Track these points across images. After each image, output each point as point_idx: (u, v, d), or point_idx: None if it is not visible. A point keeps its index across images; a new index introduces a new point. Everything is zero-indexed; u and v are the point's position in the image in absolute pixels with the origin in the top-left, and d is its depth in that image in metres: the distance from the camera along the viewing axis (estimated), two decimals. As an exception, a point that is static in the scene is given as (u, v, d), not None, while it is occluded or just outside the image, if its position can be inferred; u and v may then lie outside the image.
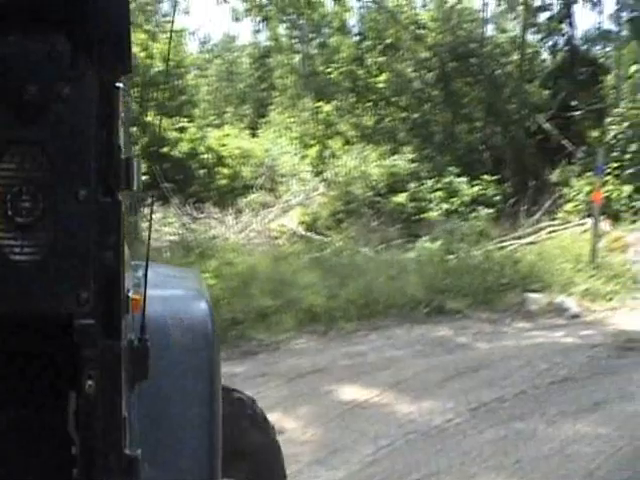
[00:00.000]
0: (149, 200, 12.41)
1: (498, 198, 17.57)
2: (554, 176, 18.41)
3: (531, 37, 22.32)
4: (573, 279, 11.99)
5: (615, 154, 16.61)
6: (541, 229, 15.50)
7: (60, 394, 1.42)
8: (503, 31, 22.87)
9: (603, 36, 21.95)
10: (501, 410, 6.93)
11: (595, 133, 19.31)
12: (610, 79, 20.90)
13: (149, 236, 1.99)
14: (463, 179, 17.76)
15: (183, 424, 2.36)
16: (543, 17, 21.79)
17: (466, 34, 21.30)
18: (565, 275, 12.14)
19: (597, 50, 22.39)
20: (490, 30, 22.55)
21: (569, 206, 16.69)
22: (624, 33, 21.27)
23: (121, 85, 1.39)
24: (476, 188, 17.57)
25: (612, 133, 17.68)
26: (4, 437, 1.48)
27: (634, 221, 15.21)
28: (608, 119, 19.00)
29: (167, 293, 2.51)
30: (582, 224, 15.17)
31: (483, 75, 20.93)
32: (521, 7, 22.05)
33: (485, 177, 17.91)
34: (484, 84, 20.88)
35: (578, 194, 16.75)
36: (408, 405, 7.12)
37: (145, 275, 1.67)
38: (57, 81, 1.31)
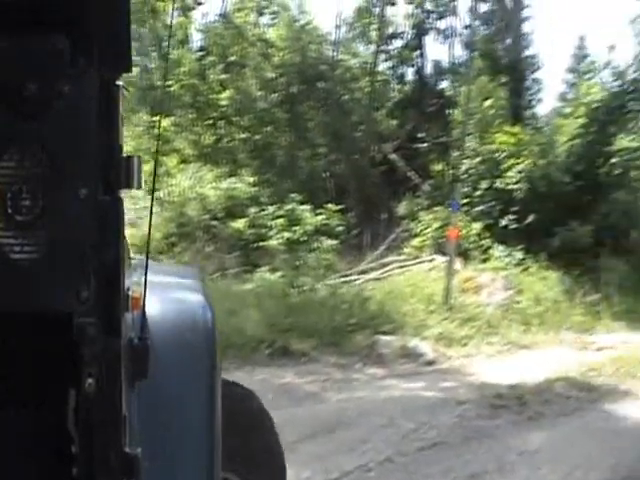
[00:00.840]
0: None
1: (342, 229, 16.59)
2: (400, 208, 17.67)
3: (382, 65, 21.74)
4: (426, 321, 11.19)
5: (465, 190, 15.94)
6: (387, 264, 14.67)
7: (59, 392, 1.36)
8: (354, 55, 22.12)
9: (453, 70, 21.64)
10: (366, 483, 5.85)
11: (439, 166, 18.80)
12: (457, 113, 20.45)
13: (149, 234, 1.96)
14: (306, 207, 16.63)
15: (183, 423, 2.27)
16: (395, 45, 21.34)
17: (316, 56, 20.39)
18: (418, 316, 11.32)
19: (446, 83, 22.08)
20: (341, 54, 21.73)
21: (416, 241, 15.95)
22: (473, 68, 21.00)
23: (121, 83, 1.35)
24: (320, 217, 16.48)
25: (463, 168, 17.04)
26: (3, 435, 1.43)
27: (484, 260, 14.59)
28: (455, 153, 18.51)
29: (167, 291, 2.42)
30: (431, 260, 14.46)
31: (330, 99, 20.08)
32: (374, 33, 21.39)
33: (329, 206, 16.85)
34: (331, 109, 20.02)
35: (426, 229, 16.02)
36: (255, 474, 5.94)
37: (145, 273, 1.61)
38: (57, 78, 1.26)
